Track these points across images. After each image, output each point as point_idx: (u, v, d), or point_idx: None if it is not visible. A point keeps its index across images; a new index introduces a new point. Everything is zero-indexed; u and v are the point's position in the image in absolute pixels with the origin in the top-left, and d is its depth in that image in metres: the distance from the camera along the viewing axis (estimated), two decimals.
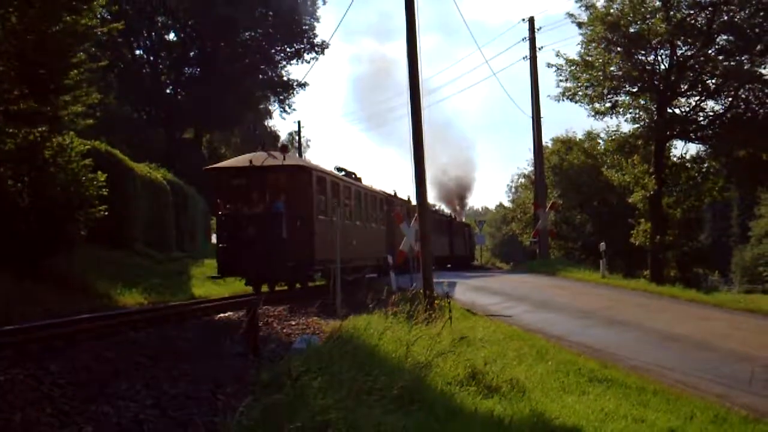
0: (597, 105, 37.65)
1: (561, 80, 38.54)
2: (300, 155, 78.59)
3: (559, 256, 50.77)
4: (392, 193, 37.20)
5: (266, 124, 76.64)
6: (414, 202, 22.55)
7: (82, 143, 19.66)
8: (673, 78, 35.93)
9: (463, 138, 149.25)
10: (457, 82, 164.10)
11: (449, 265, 49.80)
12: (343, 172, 29.05)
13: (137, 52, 54.60)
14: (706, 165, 38.00)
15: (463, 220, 71.18)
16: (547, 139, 56.86)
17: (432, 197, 62.47)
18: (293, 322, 15.74)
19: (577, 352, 14.61)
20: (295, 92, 59.96)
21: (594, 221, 55.22)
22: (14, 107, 16.62)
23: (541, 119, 45.08)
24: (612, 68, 36.73)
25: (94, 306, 16.42)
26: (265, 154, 23.28)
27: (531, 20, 45.13)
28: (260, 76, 57.27)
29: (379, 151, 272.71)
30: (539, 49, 44.43)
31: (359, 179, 31.17)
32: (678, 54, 36.23)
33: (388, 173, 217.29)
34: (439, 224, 51.64)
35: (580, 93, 37.81)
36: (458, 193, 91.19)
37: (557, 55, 39.04)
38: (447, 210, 72.96)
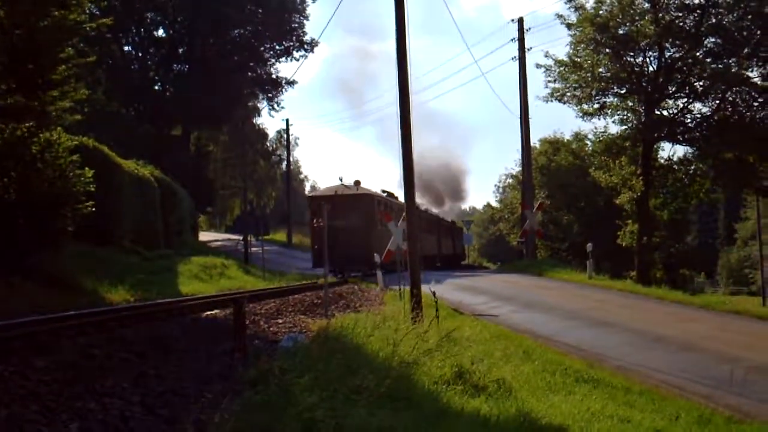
0: (585, 106, 37.77)
1: (549, 81, 38.68)
2: (288, 153, 78.88)
3: (546, 257, 50.86)
4: (418, 206, 42.17)
5: (254, 121, 76.76)
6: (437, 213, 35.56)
7: (69, 139, 19.57)
8: (661, 80, 36.04)
9: (451, 135, 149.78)
10: (445, 82, 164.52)
11: (438, 264, 51.25)
12: (386, 194, 40.99)
13: (126, 48, 54.50)
14: (693, 167, 38.12)
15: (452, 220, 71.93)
16: (535, 140, 57.13)
17: (420, 194, 63.40)
18: (280, 321, 15.76)
19: (564, 352, 14.65)
20: (283, 90, 59.97)
21: (581, 222, 55.32)
22: (1, 102, 16.55)
23: (530, 120, 45.24)
24: (600, 69, 36.82)
25: (81, 302, 16.35)
26: (344, 186, 36.70)
27: (520, 21, 45.30)
28: (249, 73, 57.27)
29: (365, 149, 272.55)
30: (528, 49, 44.62)
31: (396, 197, 41.58)
32: (666, 56, 36.34)
33: (373, 170, 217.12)
34: (446, 228, 60.55)
35: (568, 94, 37.92)
36: (450, 189, 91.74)
37: (546, 56, 39.16)
38: (434, 209, 73.47)
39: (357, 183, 37.47)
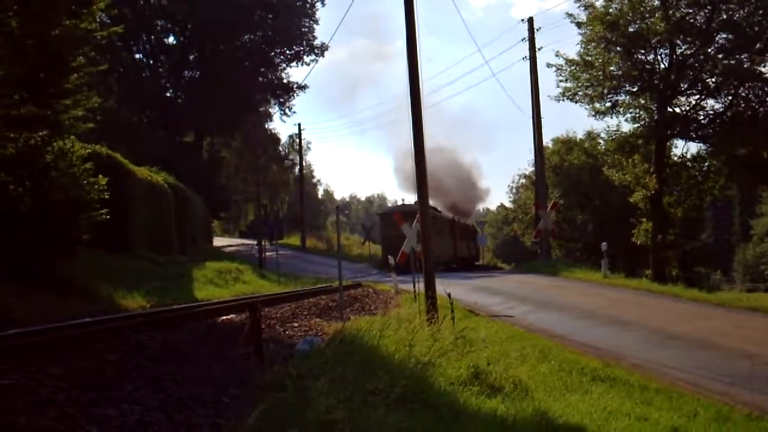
0: (597, 105, 37.70)
1: (561, 80, 38.61)
2: (301, 158, 79.17)
3: (561, 256, 50.84)
4: (453, 217, 59.83)
5: (266, 126, 76.84)
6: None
7: (82, 147, 19.67)
8: (673, 77, 35.94)
9: (463, 137, 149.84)
10: (456, 84, 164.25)
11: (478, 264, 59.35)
12: (432, 209, 48.91)
13: (137, 55, 54.74)
14: (706, 164, 38.00)
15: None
16: (547, 140, 57.05)
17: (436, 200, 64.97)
18: (295, 324, 15.76)
19: (580, 351, 14.62)
20: (295, 94, 60.04)
21: (595, 221, 55.25)
22: (15, 112, 16.62)
23: (542, 119, 45.16)
24: (612, 68, 36.76)
25: (96, 309, 16.41)
26: (406, 204, 45.66)
27: (530, 20, 45.19)
28: (260, 78, 57.38)
29: (376, 152, 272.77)
30: (539, 49, 44.49)
31: (439, 211, 53.68)
32: (677, 53, 36.24)
33: (385, 174, 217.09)
34: (469, 231, 64.89)
35: (580, 93, 37.84)
36: (465, 192, 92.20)
37: (557, 55, 39.09)
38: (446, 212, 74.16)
39: (416, 203, 47.84)
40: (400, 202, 72.17)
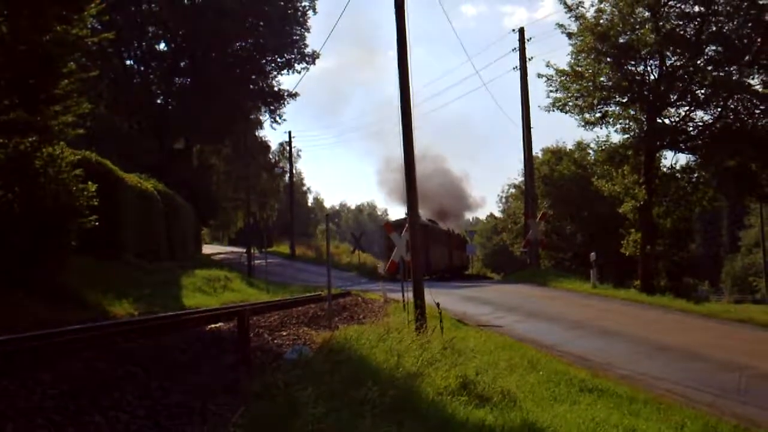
0: (587, 115, 37.70)
1: (551, 90, 38.64)
2: (291, 166, 79.13)
3: (550, 266, 50.88)
4: (448, 229, 64.06)
5: (257, 134, 76.68)
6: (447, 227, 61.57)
7: (72, 153, 19.58)
8: (662, 88, 36.00)
9: (453, 146, 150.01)
10: (446, 93, 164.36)
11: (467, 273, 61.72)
12: (431, 221, 55.71)
13: (128, 62, 54.52)
14: (695, 175, 38.00)
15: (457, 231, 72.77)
16: (537, 150, 57.19)
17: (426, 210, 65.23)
18: (284, 333, 15.72)
19: (568, 361, 14.65)
20: (285, 102, 59.94)
21: (584, 231, 55.34)
22: (4, 117, 16.55)
23: (532, 129, 45.27)
24: (602, 78, 36.81)
25: (85, 316, 16.35)
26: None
27: (521, 31, 45.39)
28: (251, 86, 57.25)
29: (367, 162, 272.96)
30: (529, 59, 44.66)
31: (436, 223, 59.71)
32: (667, 64, 36.34)
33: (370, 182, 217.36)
34: (461, 241, 66.94)
35: (570, 103, 37.85)
36: (455, 201, 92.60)
37: (547, 66, 39.13)
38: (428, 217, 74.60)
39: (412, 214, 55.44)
40: (389, 210, 72.90)
